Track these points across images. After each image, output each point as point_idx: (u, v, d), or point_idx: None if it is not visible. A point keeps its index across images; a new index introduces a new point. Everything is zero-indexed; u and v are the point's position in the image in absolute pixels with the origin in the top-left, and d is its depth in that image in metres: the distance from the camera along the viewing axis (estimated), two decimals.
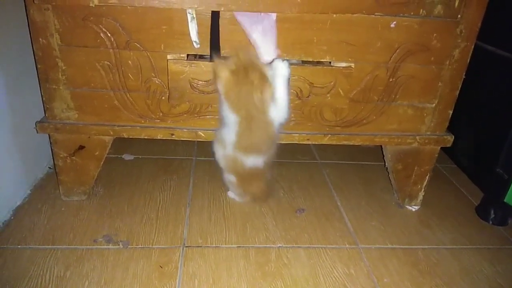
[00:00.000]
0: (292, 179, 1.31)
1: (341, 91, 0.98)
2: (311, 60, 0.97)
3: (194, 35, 0.91)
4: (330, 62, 0.98)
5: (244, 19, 0.89)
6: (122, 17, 0.89)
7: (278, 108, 0.94)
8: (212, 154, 1.08)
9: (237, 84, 0.89)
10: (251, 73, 0.88)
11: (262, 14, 0.90)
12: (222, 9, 0.88)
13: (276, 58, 0.93)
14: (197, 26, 0.90)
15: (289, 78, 0.92)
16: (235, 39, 0.92)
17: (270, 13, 0.90)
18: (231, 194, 1.18)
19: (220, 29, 0.91)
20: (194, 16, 0.89)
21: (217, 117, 1.02)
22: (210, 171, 1.30)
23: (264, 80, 0.88)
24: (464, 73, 1.02)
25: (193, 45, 0.92)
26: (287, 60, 0.94)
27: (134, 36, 0.91)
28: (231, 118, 0.94)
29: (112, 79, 0.96)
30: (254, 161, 1.02)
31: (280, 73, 0.91)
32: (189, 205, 1.14)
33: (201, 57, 0.98)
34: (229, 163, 1.05)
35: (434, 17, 0.93)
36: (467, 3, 0.92)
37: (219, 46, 0.92)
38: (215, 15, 0.89)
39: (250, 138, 0.96)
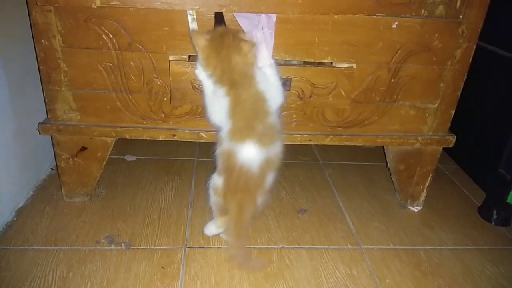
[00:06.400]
0: (294, 180, 1.31)
1: (342, 91, 0.98)
2: (312, 61, 0.97)
3: None
4: (331, 63, 0.98)
5: (244, 22, 0.89)
6: (124, 18, 0.89)
7: (273, 91, 0.90)
8: (213, 155, 1.02)
9: (215, 49, 0.85)
10: (226, 37, 0.86)
11: (263, 16, 0.90)
12: (223, 10, 0.88)
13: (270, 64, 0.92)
14: (198, 27, 0.90)
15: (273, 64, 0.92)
16: None
17: (270, 15, 0.90)
18: (209, 228, 1.03)
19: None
20: (195, 17, 0.89)
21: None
22: (212, 172, 1.29)
23: (239, 40, 0.85)
24: (466, 74, 1.02)
25: None
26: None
27: (136, 37, 0.92)
28: (219, 95, 0.88)
29: (114, 80, 0.96)
30: (252, 152, 0.86)
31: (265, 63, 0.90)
32: (191, 206, 1.14)
33: None
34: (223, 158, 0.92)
35: (436, 18, 0.93)
36: (469, 4, 0.92)
37: None
38: (220, 17, 0.89)
39: (243, 112, 0.87)
